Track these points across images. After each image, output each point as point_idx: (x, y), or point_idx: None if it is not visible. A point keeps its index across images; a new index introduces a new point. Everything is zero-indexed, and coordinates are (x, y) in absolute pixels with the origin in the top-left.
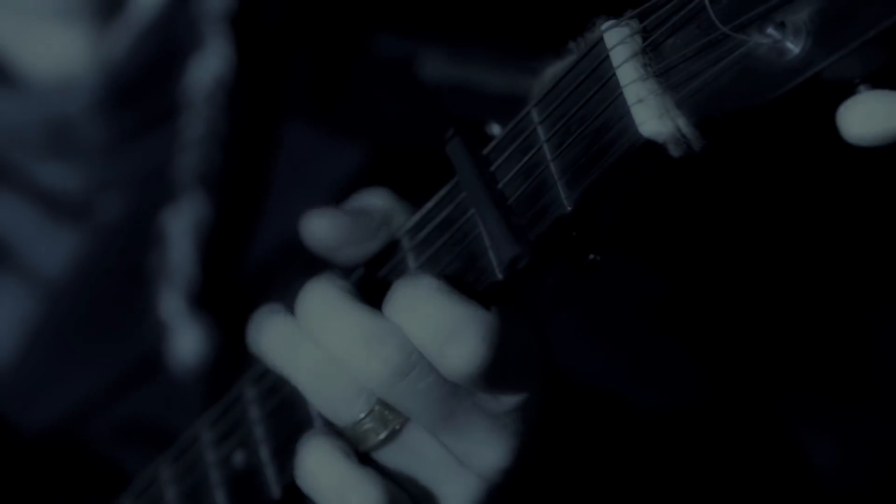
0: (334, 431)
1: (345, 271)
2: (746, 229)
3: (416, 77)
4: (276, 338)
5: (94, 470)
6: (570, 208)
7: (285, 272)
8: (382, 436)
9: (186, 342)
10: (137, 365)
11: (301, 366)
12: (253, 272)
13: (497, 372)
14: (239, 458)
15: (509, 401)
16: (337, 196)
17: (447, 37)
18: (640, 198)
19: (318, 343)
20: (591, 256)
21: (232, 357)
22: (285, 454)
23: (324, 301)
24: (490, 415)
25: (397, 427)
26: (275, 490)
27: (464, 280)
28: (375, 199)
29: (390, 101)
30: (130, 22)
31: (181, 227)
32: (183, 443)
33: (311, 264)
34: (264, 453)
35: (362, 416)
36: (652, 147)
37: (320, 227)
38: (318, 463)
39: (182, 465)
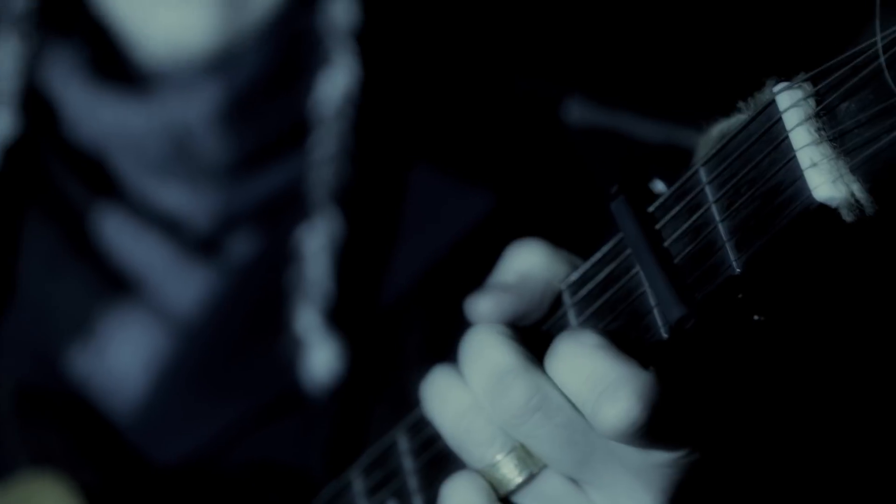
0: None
1: None
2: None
3: (555, 124)
4: (431, 387)
5: None
6: (739, 270)
7: (416, 313)
8: (519, 480)
9: (321, 357)
10: (271, 398)
11: (444, 409)
12: (387, 307)
13: (651, 430)
14: None
15: (660, 456)
16: (465, 240)
17: (594, 86)
18: (807, 261)
19: (466, 386)
20: (756, 318)
21: (362, 378)
22: None
23: (478, 342)
24: (634, 467)
25: (534, 471)
26: None
27: (626, 338)
28: (533, 260)
29: (523, 147)
30: (251, 15)
31: (317, 245)
32: (333, 490)
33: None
34: (418, 503)
35: (499, 458)
36: (825, 211)
37: (486, 311)
38: (453, 494)
39: None
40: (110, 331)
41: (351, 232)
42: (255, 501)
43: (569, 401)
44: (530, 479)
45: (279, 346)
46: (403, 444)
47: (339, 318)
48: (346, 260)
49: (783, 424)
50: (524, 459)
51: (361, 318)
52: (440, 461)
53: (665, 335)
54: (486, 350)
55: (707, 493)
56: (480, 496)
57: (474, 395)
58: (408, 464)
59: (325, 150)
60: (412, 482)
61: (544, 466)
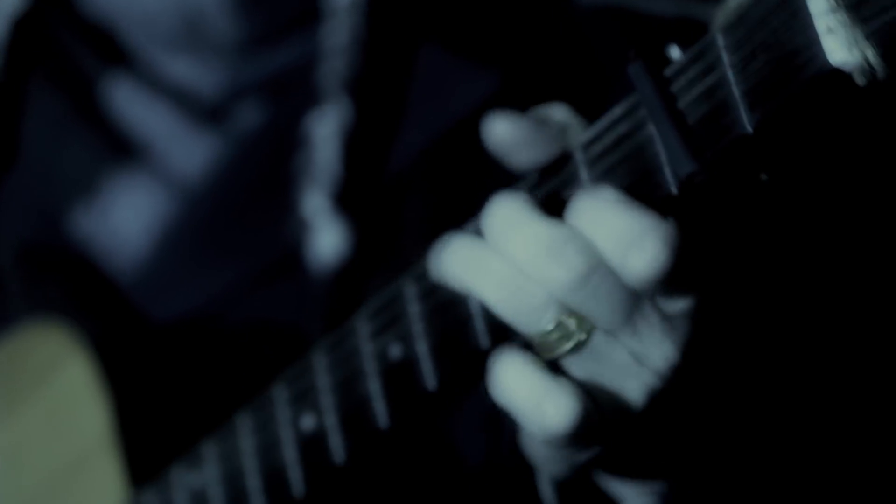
0: (517, 346)
1: (517, 183)
2: None
3: (564, 3)
4: (462, 257)
5: (225, 363)
6: (750, 130)
7: (419, 186)
8: (571, 344)
9: (326, 240)
10: (272, 265)
11: (489, 281)
12: (390, 182)
13: (674, 276)
14: (396, 351)
15: (681, 304)
16: (470, 119)
17: None
18: (817, 124)
19: (505, 256)
20: (763, 177)
21: (366, 260)
22: (443, 349)
23: (509, 214)
24: (665, 316)
25: (585, 334)
26: (430, 383)
27: (638, 195)
28: (555, 111)
29: (532, 28)
30: None
31: (327, 131)
32: (339, 334)
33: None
34: (422, 348)
35: (551, 326)
36: (838, 75)
37: (502, 128)
38: (514, 378)
39: (338, 355)
40: (115, 193)
41: (360, 119)
42: (251, 357)
43: None
44: (582, 343)
45: (284, 226)
46: (410, 291)
47: (345, 201)
48: (354, 146)
49: (780, 288)
50: (574, 324)
51: (368, 202)
52: (445, 307)
53: (675, 191)
54: (525, 223)
55: (717, 344)
56: (533, 371)
57: (518, 266)
58: (413, 309)
59: (336, 40)
60: (417, 327)
61: (593, 328)
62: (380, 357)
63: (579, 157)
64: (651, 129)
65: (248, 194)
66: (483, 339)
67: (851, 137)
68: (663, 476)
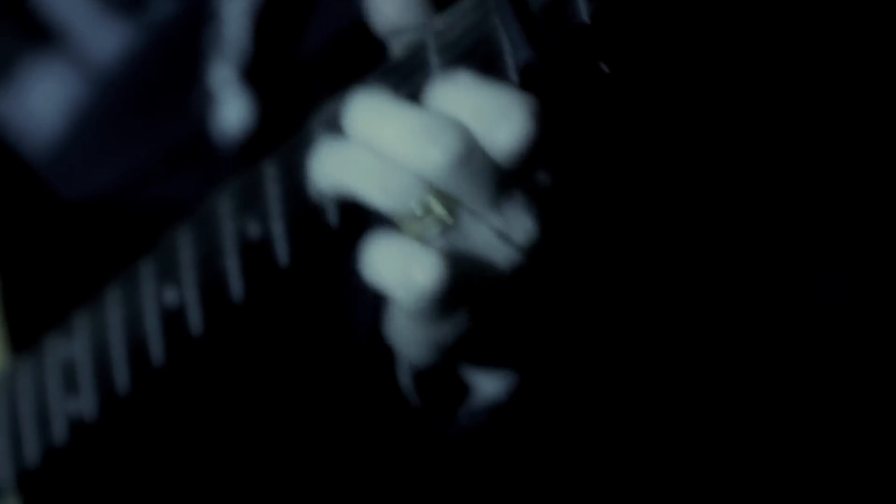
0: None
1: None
2: None
3: None
4: (330, 159)
5: (132, 243)
6: (588, 20)
7: (328, 72)
8: (438, 224)
9: (232, 112)
10: (180, 148)
11: (359, 176)
12: (300, 66)
13: (539, 149)
14: (254, 229)
15: (542, 180)
16: None
17: None
18: (653, 17)
19: (373, 147)
20: (602, 66)
21: (273, 136)
22: (297, 229)
23: (372, 108)
24: (526, 193)
25: (452, 214)
26: (283, 261)
27: None
28: None
29: None
30: None
31: (237, 9)
32: (205, 210)
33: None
34: (277, 227)
35: (417, 207)
36: None
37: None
38: (381, 249)
39: (201, 231)
40: (31, 77)
41: (272, 1)
42: (158, 237)
43: None
44: (449, 223)
45: (192, 100)
46: (270, 171)
47: (253, 74)
48: (264, 23)
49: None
50: (441, 204)
51: (276, 76)
52: (301, 189)
53: (515, 79)
54: (393, 112)
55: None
56: (399, 242)
57: (386, 155)
58: (272, 189)
59: None
60: (275, 207)
61: (458, 208)
62: (239, 235)
63: (431, 43)
64: (497, 18)
65: (161, 79)
66: (333, 218)
67: (687, 31)
68: (516, 365)
